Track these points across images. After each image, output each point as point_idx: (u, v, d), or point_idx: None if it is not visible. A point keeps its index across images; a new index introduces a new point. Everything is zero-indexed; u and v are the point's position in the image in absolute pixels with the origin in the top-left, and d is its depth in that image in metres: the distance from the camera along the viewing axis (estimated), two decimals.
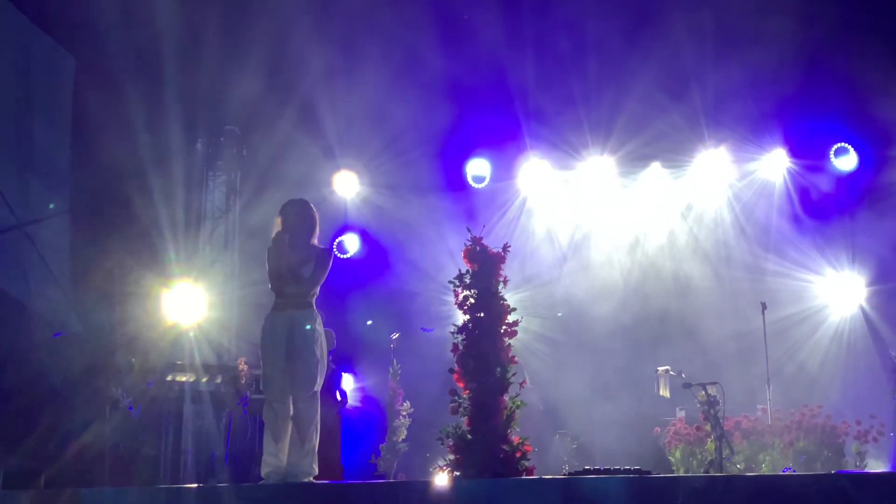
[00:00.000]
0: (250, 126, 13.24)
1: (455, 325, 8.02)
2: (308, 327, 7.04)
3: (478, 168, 13.81)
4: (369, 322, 13.49)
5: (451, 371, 7.90)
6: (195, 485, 8.30)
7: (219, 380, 10.15)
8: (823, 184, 13.23)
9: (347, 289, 13.29)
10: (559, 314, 13.83)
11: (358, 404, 12.69)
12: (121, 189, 11.03)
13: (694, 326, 12.91)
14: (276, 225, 7.31)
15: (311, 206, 7.43)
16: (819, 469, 10.04)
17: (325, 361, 7.19)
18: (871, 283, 12.90)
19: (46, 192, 10.71)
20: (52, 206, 10.69)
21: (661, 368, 11.34)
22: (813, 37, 11.82)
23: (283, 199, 7.52)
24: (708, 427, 10.37)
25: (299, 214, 7.30)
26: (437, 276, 12.63)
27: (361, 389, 13.19)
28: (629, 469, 7.22)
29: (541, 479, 7.02)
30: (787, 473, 9.36)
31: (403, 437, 12.42)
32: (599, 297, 13.65)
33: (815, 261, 13.14)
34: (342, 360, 11.31)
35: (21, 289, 9.98)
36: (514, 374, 7.90)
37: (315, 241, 7.36)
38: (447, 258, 12.11)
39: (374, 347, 13.17)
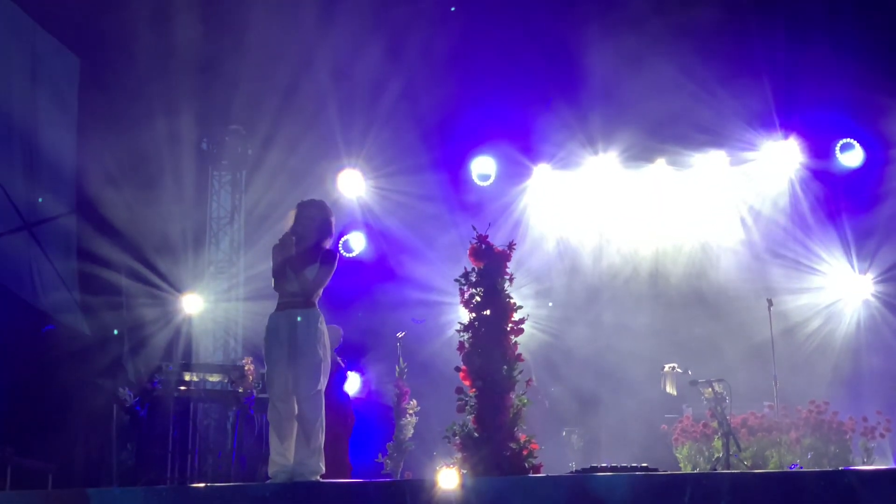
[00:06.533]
0: (255, 125, 13.23)
1: (461, 324, 7.99)
2: (310, 326, 7.00)
3: (483, 166, 13.80)
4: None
5: (458, 369, 7.88)
6: (202, 484, 8.31)
7: (225, 379, 10.17)
8: (830, 179, 13.20)
9: (353, 287, 13.28)
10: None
11: (361, 396, 12.66)
12: (126, 189, 11.05)
13: (701, 323, 12.89)
14: (290, 218, 7.24)
15: (327, 208, 7.32)
16: (826, 466, 10.01)
17: (329, 360, 7.15)
18: (880, 278, 12.85)
19: (53, 193, 10.74)
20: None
21: (667, 366, 11.29)
22: (821, 29, 11.82)
23: (288, 199, 7.47)
24: (715, 424, 10.36)
25: (311, 216, 7.21)
26: (442, 275, 12.60)
27: (367, 387, 13.16)
28: (636, 466, 7.21)
29: (547, 477, 7.00)
30: (794, 470, 9.34)
31: (410, 435, 12.41)
32: (606, 296, 13.65)
33: (824, 255, 13.09)
34: (348, 358, 11.28)
35: (28, 289, 10.01)
36: (520, 372, 7.88)
37: (327, 244, 7.27)
38: (453, 256, 12.08)
39: (380, 345, 13.15)
